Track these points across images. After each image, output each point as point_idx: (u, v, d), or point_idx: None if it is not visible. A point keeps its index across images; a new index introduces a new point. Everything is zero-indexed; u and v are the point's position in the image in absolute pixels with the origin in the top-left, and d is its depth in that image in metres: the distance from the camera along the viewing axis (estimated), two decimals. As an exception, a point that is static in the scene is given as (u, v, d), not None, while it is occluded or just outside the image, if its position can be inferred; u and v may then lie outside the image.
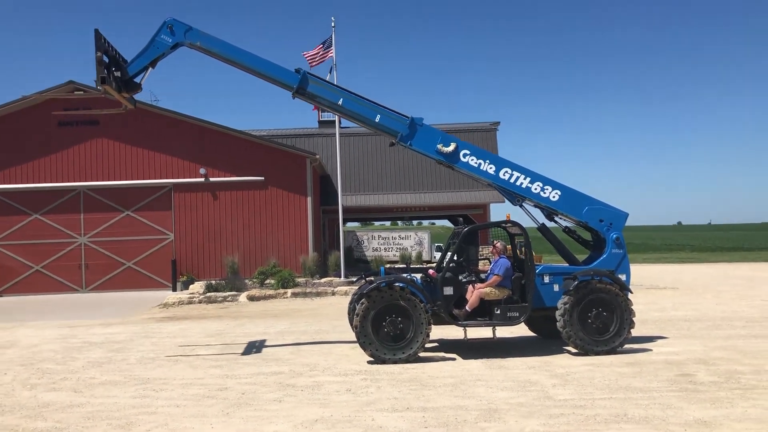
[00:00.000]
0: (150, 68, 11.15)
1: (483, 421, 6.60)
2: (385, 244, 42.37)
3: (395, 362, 9.68)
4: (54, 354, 11.51)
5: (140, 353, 11.37)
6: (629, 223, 11.74)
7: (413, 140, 11.45)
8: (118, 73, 10.87)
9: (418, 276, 10.71)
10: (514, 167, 11.51)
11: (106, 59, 10.53)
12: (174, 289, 24.46)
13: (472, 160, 11.46)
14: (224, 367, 9.90)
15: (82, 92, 25.12)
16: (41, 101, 25.16)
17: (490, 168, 11.46)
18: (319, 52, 22.80)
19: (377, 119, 11.41)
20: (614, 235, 11.30)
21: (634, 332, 10.63)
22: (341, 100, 11.39)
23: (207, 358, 10.71)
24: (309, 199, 25.88)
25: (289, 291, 21.53)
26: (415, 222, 62.06)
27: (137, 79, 11.19)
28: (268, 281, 23.23)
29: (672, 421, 6.45)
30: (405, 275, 10.51)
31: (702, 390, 7.70)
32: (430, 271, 10.72)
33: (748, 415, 6.61)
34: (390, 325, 9.75)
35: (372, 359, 9.83)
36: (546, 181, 11.52)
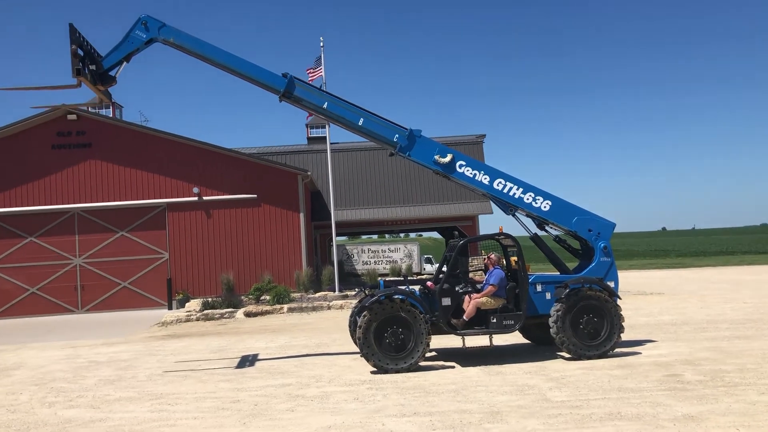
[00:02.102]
0: (125, 62, 11.58)
1: (486, 422, 7.05)
2: (375, 257, 42.82)
3: (398, 371, 10.11)
4: (64, 373, 11.83)
5: (148, 370, 11.71)
6: (615, 229, 12.26)
7: (412, 151, 11.96)
8: (93, 67, 11.25)
9: (417, 288, 11.18)
10: (508, 178, 12.02)
11: (80, 52, 10.93)
12: (170, 308, 24.75)
13: (468, 170, 11.97)
14: (233, 380, 10.28)
15: (75, 116, 25.53)
16: (34, 125, 25.48)
17: (485, 178, 11.98)
18: (311, 69, 23.34)
19: (360, 122, 11.91)
20: (602, 244, 11.82)
21: (624, 337, 11.13)
22: (326, 103, 11.90)
23: (214, 373, 11.07)
24: (301, 215, 26.28)
25: (285, 306, 21.87)
26: (402, 234, 62.52)
27: (112, 73, 11.60)
28: (263, 297, 23.56)
29: (662, 417, 6.94)
30: (404, 287, 10.96)
31: (689, 388, 8.20)
32: (428, 283, 11.20)
33: (732, 409, 7.12)
34: (391, 336, 10.18)
35: (375, 369, 10.24)
36: (537, 192, 12.04)
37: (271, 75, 11.84)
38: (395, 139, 11.95)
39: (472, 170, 12.01)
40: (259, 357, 12.66)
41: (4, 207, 25.20)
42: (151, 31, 11.42)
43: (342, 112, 11.94)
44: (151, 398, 9.21)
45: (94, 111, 31.25)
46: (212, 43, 11.75)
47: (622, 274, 37.49)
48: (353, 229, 38.10)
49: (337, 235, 32.94)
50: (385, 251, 43.26)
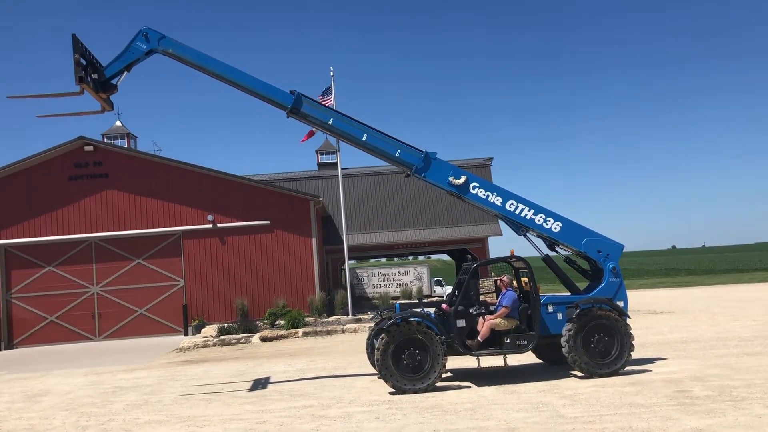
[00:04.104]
0: (126, 71, 12.13)
1: (504, 438, 7.40)
2: (385, 280, 43.19)
3: (415, 392, 10.45)
4: (91, 399, 12.22)
5: (173, 395, 12.08)
6: (624, 249, 12.61)
7: (427, 173, 12.40)
8: (95, 75, 11.78)
9: (432, 310, 11.55)
10: (520, 200, 12.44)
11: (83, 61, 11.45)
12: (186, 334, 25.13)
13: (481, 192, 12.41)
14: (256, 403, 10.64)
15: (92, 147, 26.19)
16: (52, 157, 26.13)
17: (497, 200, 12.40)
18: (319, 101, 23.88)
19: (364, 138, 12.37)
20: (611, 265, 12.17)
21: (635, 355, 11.46)
22: (331, 119, 12.40)
23: (237, 396, 11.43)
24: (313, 240, 26.73)
25: (300, 331, 22.22)
26: (411, 257, 62.92)
27: (114, 81, 12.11)
28: (278, 322, 23.92)
29: (671, 430, 7.28)
30: (419, 310, 11.33)
31: (698, 403, 8.53)
32: (443, 306, 11.58)
33: (739, 422, 7.44)
34: (409, 358, 10.55)
35: (393, 390, 10.58)
36: (548, 213, 12.44)
37: (279, 91, 12.34)
38: (397, 155, 12.36)
39: (485, 192, 12.44)
40: (279, 380, 13.02)
41: (24, 237, 25.77)
42: (151, 42, 11.96)
43: (346, 128, 12.42)
44: (179, 421, 9.59)
45: (109, 142, 32.01)
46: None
47: (632, 294, 37.74)
48: (364, 253, 38.46)
49: (348, 259, 33.38)
50: (395, 274, 43.65)
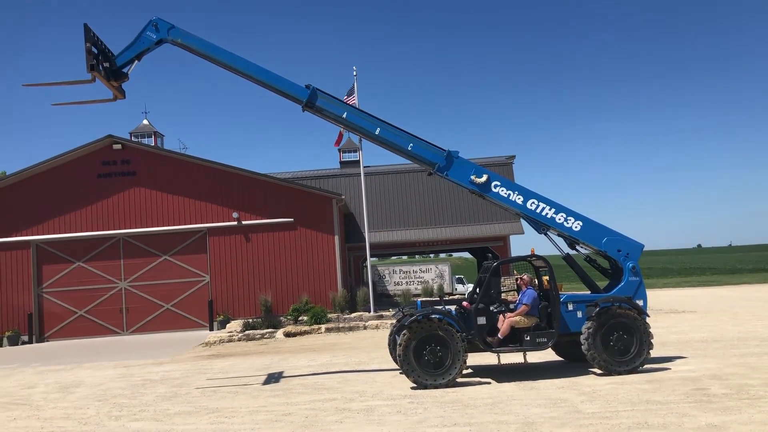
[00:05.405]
0: (136, 60, 12.46)
1: (522, 431, 7.61)
2: (406, 277, 43.45)
3: (436, 387, 10.69)
4: (122, 390, 12.64)
5: (201, 387, 12.45)
6: (649, 247, 12.75)
7: (449, 171, 12.63)
8: (106, 64, 12.12)
9: (453, 308, 11.79)
10: (541, 198, 12.61)
11: (94, 50, 11.78)
12: (211, 329, 25.62)
13: (502, 190, 12.60)
14: (282, 396, 10.96)
15: (120, 145, 26.76)
16: (81, 155, 26.75)
17: (519, 198, 12.58)
18: (344, 100, 24.24)
19: (377, 132, 12.61)
20: (631, 264, 12.30)
21: (654, 353, 11.58)
22: (345, 113, 12.64)
23: (263, 389, 11.77)
24: (336, 237, 27.04)
25: (323, 326, 22.56)
26: (432, 255, 63.02)
27: (125, 70, 12.45)
28: (301, 318, 24.30)
29: (687, 426, 7.44)
30: (440, 307, 11.57)
31: (714, 401, 8.66)
32: (464, 303, 11.81)
33: (754, 419, 7.59)
34: (430, 354, 10.79)
35: (415, 385, 10.84)
36: (569, 212, 12.60)
37: (294, 85, 12.58)
38: (410, 149, 12.57)
39: (507, 190, 12.63)
40: (303, 374, 13.34)
41: (54, 233, 26.43)
42: (161, 32, 12.25)
43: (360, 121, 12.68)
44: (208, 412, 9.93)
45: (137, 141, 32.64)
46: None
47: (656, 293, 37.63)
48: (385, 251, 38.74)
49: (370, 256, 33.66)
50: (416, 272, 43.89)
